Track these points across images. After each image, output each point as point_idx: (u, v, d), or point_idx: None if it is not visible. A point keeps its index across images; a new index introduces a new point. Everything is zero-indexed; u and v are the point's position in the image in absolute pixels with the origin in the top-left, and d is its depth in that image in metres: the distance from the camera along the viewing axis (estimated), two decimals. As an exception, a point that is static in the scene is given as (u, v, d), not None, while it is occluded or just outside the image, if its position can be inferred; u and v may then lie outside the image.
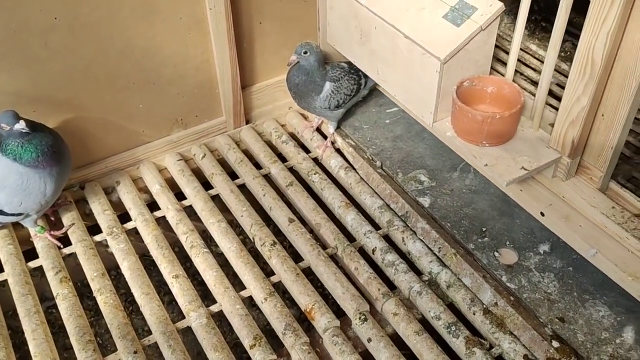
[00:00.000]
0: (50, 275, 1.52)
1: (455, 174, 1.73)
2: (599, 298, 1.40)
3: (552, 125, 1.49)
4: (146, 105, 1.74)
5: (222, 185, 1.75)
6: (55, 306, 1.77)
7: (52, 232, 1.61)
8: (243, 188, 1.80)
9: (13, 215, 1.48)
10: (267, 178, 1.82)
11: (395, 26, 1.47)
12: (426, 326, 1.43)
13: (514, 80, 1.49)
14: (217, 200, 1.76)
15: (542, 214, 1.50)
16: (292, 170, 1.85)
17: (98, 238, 1.64)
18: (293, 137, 1.97)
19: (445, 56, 1.37)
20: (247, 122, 1.97)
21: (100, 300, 1.47)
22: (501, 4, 1.38)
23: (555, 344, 1.32)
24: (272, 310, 1.42)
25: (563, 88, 1.47)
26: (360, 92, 1.86)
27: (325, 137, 1.94)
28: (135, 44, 1.62)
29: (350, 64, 1.82)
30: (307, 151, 1.91)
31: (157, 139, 1.83)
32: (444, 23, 1.41)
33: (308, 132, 1.93)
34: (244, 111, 1.93)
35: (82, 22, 1.51)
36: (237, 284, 1.54)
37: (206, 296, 1.54)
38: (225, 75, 1.80)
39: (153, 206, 1.77)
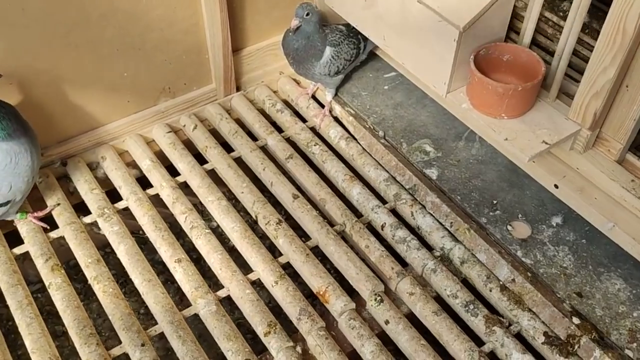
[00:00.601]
0: (39, 263, 1.41)
1: (460, 142, 1.67)
2: (614, 270, 1.38)
3: (566, 94, 1.44)
4: (131, 73, 1.61)
5: (217, 159, 1.65)
6: (40, 290, 1.67)
7: (36, 214, 1.49)
8: (239, 161, 1.70)
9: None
10: (264, 150, 1.72)
11: (408, -10, 1.37)
12: (441, 304, 1.40)
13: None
14: (212, 174, 1.66)
15: (556, 186, 1.46)
16: (289, 140, 1.75)
17: (87, 219, 1.52)
18: (287, 104, 1.87)
19: (465, 24, 1.29)
20: (237, 89, 1.86)
21: (98, 288, 1.37)
22: (524, -32, 1.30)
23: (576, 320, 1.30)
24: (284, 295, 1.35)
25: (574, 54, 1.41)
26: (359, 57, 1.77)
27: (321, 105, 1.84)
28: (118, 6, 1.47)
29: (347, 25, 1.71)
30: (303, 120, 1.81)
31: (143, 109, 1.70)
32: (462, -13, 1.32)
33: (303, 100, 1.83)
34: (234, 74, 1.81)
35: (62, -17, 1.36)
36: (242, 265, 1.46)
37: (204, 274, 1.45)
38: (215, 39, 1.67)
39: (142, 180, 1.66)
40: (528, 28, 1.39)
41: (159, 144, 1.72)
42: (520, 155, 1.31)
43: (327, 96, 1.78)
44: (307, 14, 1.56)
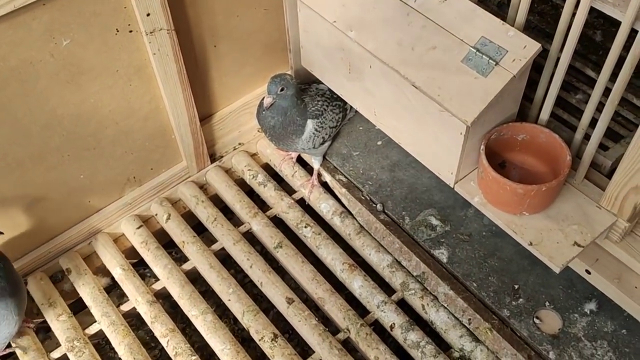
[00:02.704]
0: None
1: (469, 210, 1.48)
2: (660, 367, 1.22)
3: (594, 165, 1.24)
4: (88, 173, 1.39)
5: (197, 258, 1.45)
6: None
7: None
8: (222, 252, 1.50)
9: None
10: (249, 235, 1.53)
11: (400, 71, 1.15)
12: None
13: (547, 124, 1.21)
14: (192, 274, 1.47)
15: (588, 272, 1.28)
16: (276, 219, 1.55)
17: (56, 354, 1.34)
18: (268, 170, 1.66)
19: (473, 119, 1.07)
20: (212, 158, 1.64)
21: None
22: (538, 45, 1.07)
23: None
24: None
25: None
26: (346, 117, 1.55)
27: (308, 169, 1.63)
28: (63, 113, 1.25)
29: (330, 83, 1.49)
30: (290, 192, 1.60)
31: (108, 204, 1.49)
32: (465, 69, 1.10)
33: (287, 166, 1.62)
34: (206, 147, 1.59)
35: (-13, 107, 1.13)
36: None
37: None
38: (180, 119, 1.45)
39: (115, 285, 1.48)
40: (546, 105, 1.17)
41: (130, 241, 1.52)
42: (550, 264, 1.12)
43: (314, 163, 1.57)
44: (282, 89, 1.33)
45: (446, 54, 1.13)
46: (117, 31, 1.21)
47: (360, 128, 1.67)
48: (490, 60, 1.08)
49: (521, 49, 1.07)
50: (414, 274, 1.41)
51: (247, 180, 1.62)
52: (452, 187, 1.25)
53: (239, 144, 1.69)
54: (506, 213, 1.18)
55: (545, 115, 1.19)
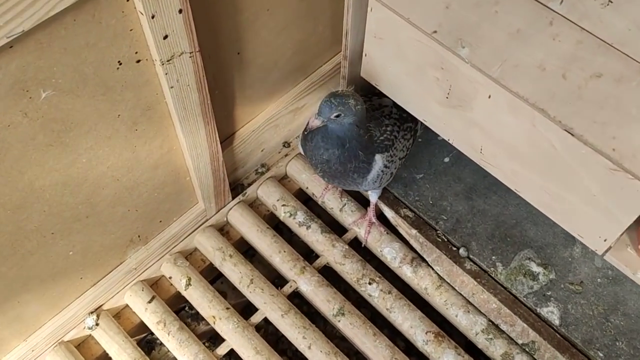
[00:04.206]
0: None
1: (575, 248, 1.18)
2: None
3: None
4: (79, 248, 1.00)
5: (237, 339, 1.10)
6: None
7: None
8: (265, 324, 1.16)
9: None
10: (297, 297, 1.18)
11: (547, 111, 0.80)
12: None
13: None
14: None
15: None
16: (328, 270, 1.21)
17: None
18: (300, 195, 1.30)
19: (675, 187, 0.74)
20: (231, 187, 1.26)
21: None
22: None
23: None
24: None
25: None
26: (414, 142, 1.19)
27: (360, 200, 1.28)
28: (43, 184, 0.84)
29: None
30: (340, 230, 1.25)
31: (105, 275, 1.11)
32: (654, 110, 0.76)
33: (332, 197, 1.26)
34: (228, 182, 1.21)
35: None
36: None
37: None
38: (200, 158, 1.06)
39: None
40: None
41: (141, 318, 1.15)
42: None
43: (370, 196, 1.21)
44: (338, 115, 0.95)
45: (620, 87, 0.78)
46: (120, 64, 0.80)
47: (419, 140, 1.31)
48: (694, 100, 0.74)
49: None
50: (519, 341, 1.11)
51: (282, 218, 1.26)
52: (600, 255, 0.92)
53: (262, 165, 1.32)
54: (686, 295, 0.87)
55: None
